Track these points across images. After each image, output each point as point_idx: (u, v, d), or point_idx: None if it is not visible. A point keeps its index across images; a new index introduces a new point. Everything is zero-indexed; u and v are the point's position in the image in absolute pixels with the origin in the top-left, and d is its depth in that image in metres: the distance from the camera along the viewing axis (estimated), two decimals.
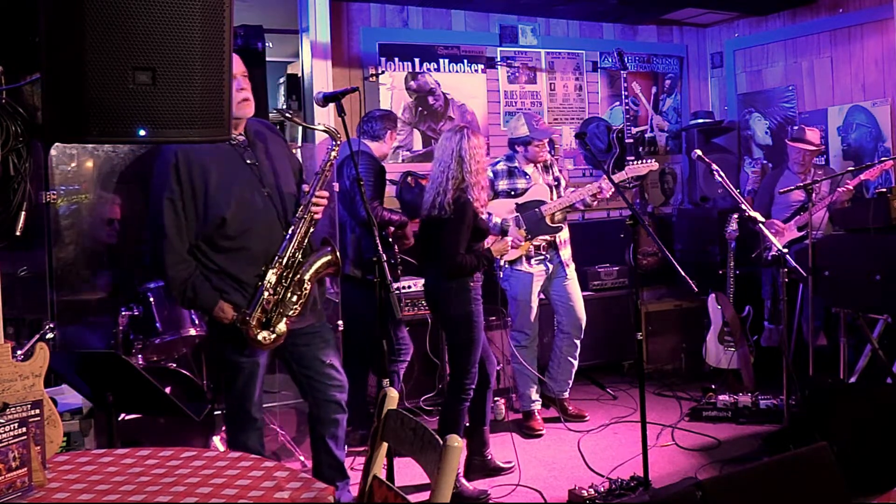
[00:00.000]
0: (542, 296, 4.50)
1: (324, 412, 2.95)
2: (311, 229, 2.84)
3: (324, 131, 2.96)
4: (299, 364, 2.93)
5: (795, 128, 5.24)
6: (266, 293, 2.74)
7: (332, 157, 2.89)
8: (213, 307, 2.72)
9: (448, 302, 3.56)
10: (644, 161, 4.56)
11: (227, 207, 2.71)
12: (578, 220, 5.41)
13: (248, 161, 2.82)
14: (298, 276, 2.80)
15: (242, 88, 2.78)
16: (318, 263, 2.84)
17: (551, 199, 4.38)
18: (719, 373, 4.93)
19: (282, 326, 2.76)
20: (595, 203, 4.39)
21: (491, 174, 4.38)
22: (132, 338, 3.41)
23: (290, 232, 2.80)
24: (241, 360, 2.79)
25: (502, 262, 4.36)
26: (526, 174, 4.41)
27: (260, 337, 2.73)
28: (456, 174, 3.49)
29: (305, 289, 2.81)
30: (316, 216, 2.84)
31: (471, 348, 3.54)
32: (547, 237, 4.39)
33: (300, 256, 2.81)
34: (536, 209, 4.32)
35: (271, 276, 2.75)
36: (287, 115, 3.00)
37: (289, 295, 2.77)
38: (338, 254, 2.89)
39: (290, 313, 2.78)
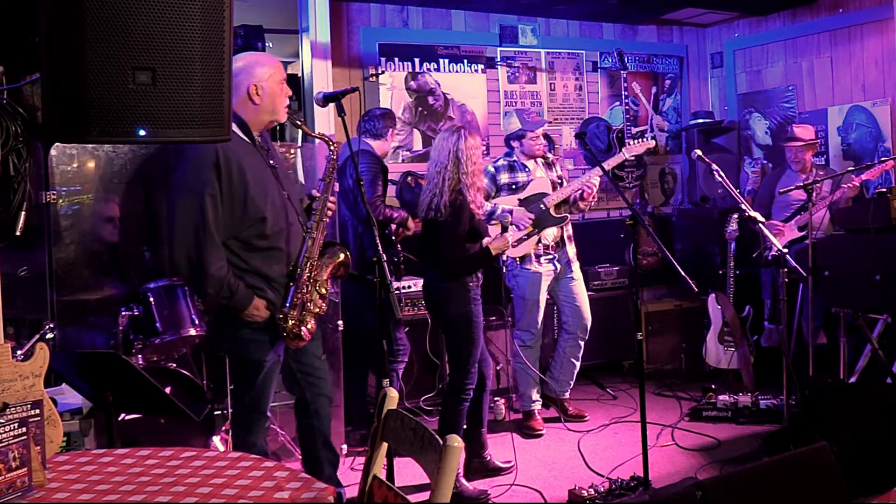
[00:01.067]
0: (547, 296, 4.50)
1: (320, 406, 2.99)
2: (325, 231, 2.91)
3: (319, 139, 3.00)
4: (296, 360, 2.95)
5: (787, 127, 5.27)
6: (299, 291, 2.79)
7: (333, 164, 2.95)
8: (248, 305, 2.73)
9: (447, 302, 3.56)
10: (640, 140, 4.57)
11: (266, 207, 2.75)
12: (578, 220, 5.39)
13: (271, 164, 2.87)
14: (319, 275, 2.86)
15: (288, 94, 2.87)
16: (333, 263, 2.92)
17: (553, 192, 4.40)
18: (719, 373, 4.93)
19: (312, 324, 2.83)
20: (584, 204, 4.38)
21: (492, 169, 4.40)
22: (132, 338, 3.40)
23: (309, 233, 2.85)
24: (266, 359, 2.81)
25: (506, 258, 4.36)
26: (526, 167, 4.43)
27: (302, 332, 2.78)
28: (452, 175, 3.49)
29: (327, 288, 2.88)
30: (327, 220, 2.90)
31: (470, 349, 3.54)
32: (555, 231, 4.39)
33: (317, 257, 2.86)
34: (540, 202, 4.33)
35: (304, 275, 2.80)
36: (298, 122, 3.00)
37: (314, 294, 2.83)
38: (348, 254, 2.98)
39: (317, 311, 2.85)
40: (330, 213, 2.93)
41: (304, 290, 2.80)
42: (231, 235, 2.74)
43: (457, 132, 3.54)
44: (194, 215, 2.66)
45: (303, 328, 2.79)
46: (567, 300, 4.51)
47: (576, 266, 4.51)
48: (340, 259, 2.94)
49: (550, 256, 4.43)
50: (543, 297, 4.42)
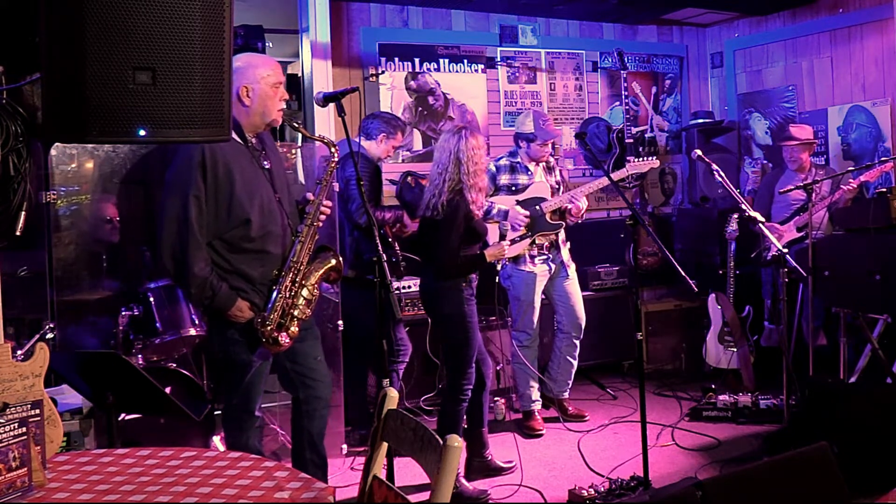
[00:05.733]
0: (542, 296, 4.50)
1: (313, 408, 2.97)
2: (316, 236, 2.89)
3: (320, 142, 2.99)
4: (292, 360, 2.94)
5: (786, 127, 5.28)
6: (281, 296, 2.77)
7: (332, 167, 2.94)
8: (231, 307, 2.73)
9: (441, 302, 3.56)
10: (645, 159, 4.56)
11: (252, 209, 2.74)
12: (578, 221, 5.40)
13: (264, 165, 2.86)
14: (306, 280, 2.84)
15: (284, 98, 2.85)
16: (323, 269, 2.90)
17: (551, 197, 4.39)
18: (719, 373, 4.93)
19: (294, 328, 2.80)
20: (570, 219, 4.38)
21: (493, 168, 4.39)
22: (132, 338, 3.41)
23: (298, 237, 2.84)
24: (253, 360, 2.81)
25: (506, 261, 4.36)
26: (528, 170, 4.42)
27: (280, 338, 2.76)
28: (453, 175, 3.49)
29: (314, 293, 2.85)
30: (319, 224, 2.89)
31: (465, 349, 3.53)
32: (550, 235, 4.39)
33: (306, 261, 2.85)
34: (537, 206, 4.32)
35: (286, 280, 2.78)
36: (295, 124, 3.00)
37: (299, 299, 2.81)
38: (340, 259, 2.96)
39: (302, 316, 2.82)
40: (323, 217, 2.91)
41: (288, 295, 2.79)
42: (216, 236, 2.73)
43: (458, 133, 3.54)
44: (178, 214, 2.67)
45: (282, 334, 2.76)
46: (561, 300, 4.51)
47: (571, 268, 4.51)
48: (331, 264, 2.91)
49: (545, 256, 4.43)
50: (539, 297, 4.42)
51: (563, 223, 4.42)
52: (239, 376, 2.82)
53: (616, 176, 4.49)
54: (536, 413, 4.46)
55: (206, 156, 2.67)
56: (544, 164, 4.50)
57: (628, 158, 5.04)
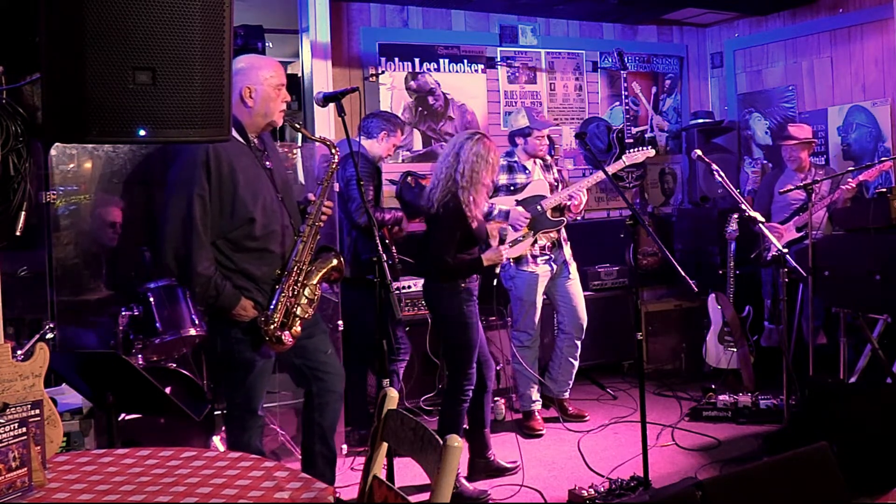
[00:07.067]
0: (544, 296, 4.49)
1: (325, 401, 2.99)
2: (318, 236, 2.90)
3: (321, 143, 3.00)
4: (302, 357, 2.95)
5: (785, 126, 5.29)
6: (284, 295, 2.78)
7: (333, 168, 2.95)
8: (234, 305, 2.74)
9: (441, 303, 3.56)
10: (640, 149, 4.57)
11: (255, 208, 2.76)
12: (578, 220, 5.40)
13: (266, 165, 2.88)
14: (308, 279, 2.85)
15: (286, 100, 2.87)
16: (325, 268, 2.92)
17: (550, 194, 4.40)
18: (719, 373, 4.93)
19: (297, 328, 2.81)
20: (571, 215, 4.39)
21: None
22: (132, 338, 3.40)
23: (301, 237, 2.85)
24: (256, 359, 2.82)
25: (509, 261, 4.36)
26: (525, 169, 4.43)
27: (283, 337, 2.77)
28: (450, 170, 3.49)
29: (316, 293, 2.87)
30: (321, 224, 2.91)
31: (465, 349, 3.53)
32: (552, 232, 4.39)
33: (308, 261, 2.86)
34: (538, 205, 4.32)
35: (289, 279, 2.80)
36: (296, 125, 3.02)
37: (302, 298, 2.82)
38: (342, 259, 2.97)
39: (304, 316, 2.83)
40: (325, 217, 2.93)
41: (291, 294, 2.80)
42: (220, 235, 2.75)
43: (472, 135, 3.54)
44: (182, 213, 2.68)
45: (285, 333, 2.78)
46: (563, 300, 4.51)
47: (573, 267, 4.51)
48: (333, 264, 2.93)
49: (547, 257, 4.43)
50: (540, 297, 4.42)
51: (564, 220, 4.43)
52: (242, 375, 2.83)
53: (613, 168, 4.51)
54: (536, 413, 4.46)
55: (211, 155, 2.68)
56: (541, 162, 4.50)
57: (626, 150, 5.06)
